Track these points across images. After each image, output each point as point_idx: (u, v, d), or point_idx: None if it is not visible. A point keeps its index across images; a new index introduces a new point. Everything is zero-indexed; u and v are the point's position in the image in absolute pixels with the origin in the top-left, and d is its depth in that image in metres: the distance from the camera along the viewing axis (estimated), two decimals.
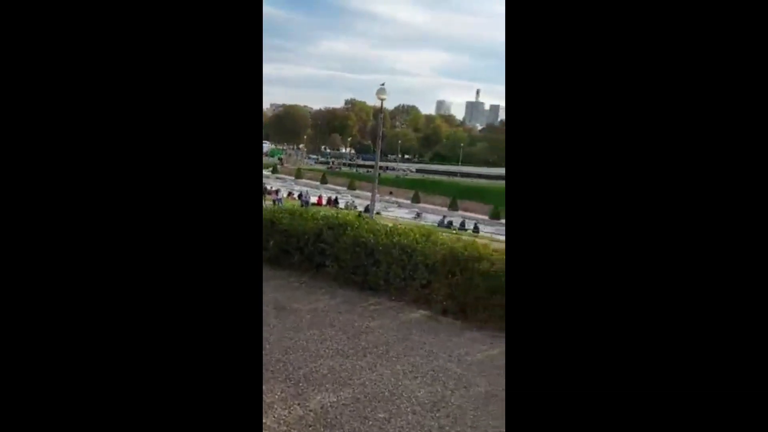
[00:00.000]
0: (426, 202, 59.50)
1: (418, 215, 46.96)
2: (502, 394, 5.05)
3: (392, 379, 5.21)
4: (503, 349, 6.65)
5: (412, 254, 7.63)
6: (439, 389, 5.07)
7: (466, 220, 41.50)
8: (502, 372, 5.11)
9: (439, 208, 55.21)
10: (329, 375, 5.17)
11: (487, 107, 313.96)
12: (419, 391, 4.99)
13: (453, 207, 56.44)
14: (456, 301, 7.18)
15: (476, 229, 35.82)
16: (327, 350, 5.80)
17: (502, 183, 63.62)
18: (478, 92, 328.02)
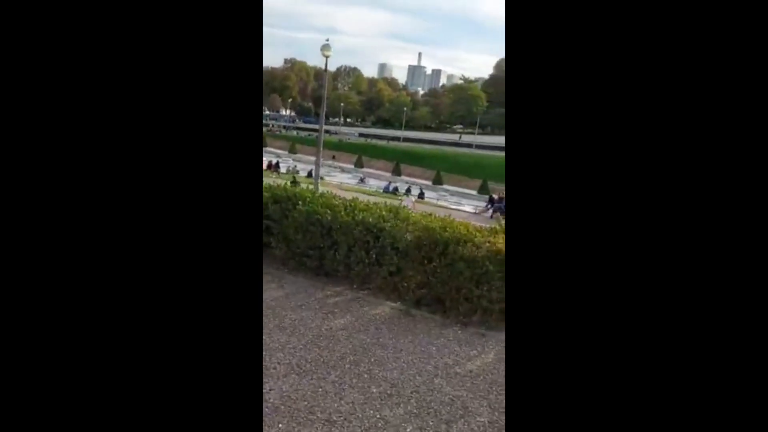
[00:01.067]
0: (369, 167, 58.08)
1: (362, 180, 45.47)
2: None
3: (368, 409, 3.92)
4: (497, 353, 5.67)
5: (379, 235, 6.29)
6: (431, 422, 3.84)
7: (411, 186, 40.53)
8: (503, 389, 4.35)
9: (382, 173, 55.09)
10: (282, 407, 3.81)
11: (428, 71, 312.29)
12: (406, 428, 3.74)
13: (396, 172, 55.30)
14: (432, 291, 5.95)
15: (421, 195, 34.89)
16: (276, 365, 4.41)
17: (443, 149, 63.21)
18: (420, 56, 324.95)
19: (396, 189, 35.57)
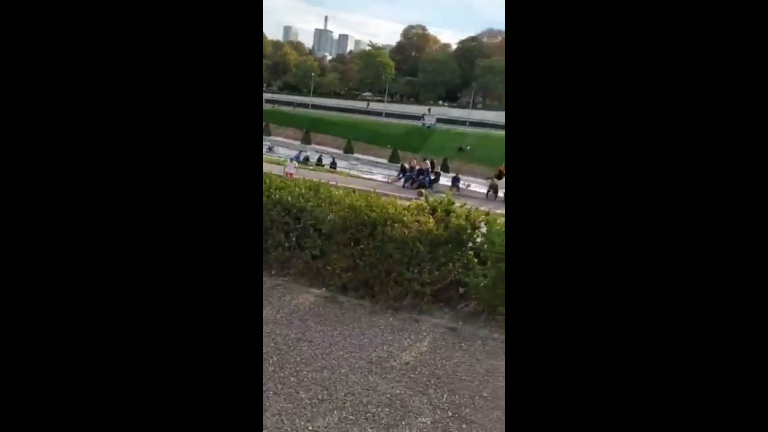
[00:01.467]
0: (277, 135, 55.88)
1: (270, 149, 43.54)
2: (459, 424, 3.69)
3: (297, 420, 3.47)
4: (432, 340, 5.42)
5: (300, 216, 5.74)
6: (371, 429, 3.47)
7: (323, 155, 39.46)
8: (446, 381, 3.96)
9: (291, 141, 52.93)
10: None
11: (335, 36, 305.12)
12: None
13: (306, 140, 53.72)
14: (360, 275, 5.55)
15: (333, 165, 33.94)
16: None
17: (352, 116, 62.45)
18: (326, 20, 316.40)
19: (307, 158, 34.30)
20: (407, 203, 6.29)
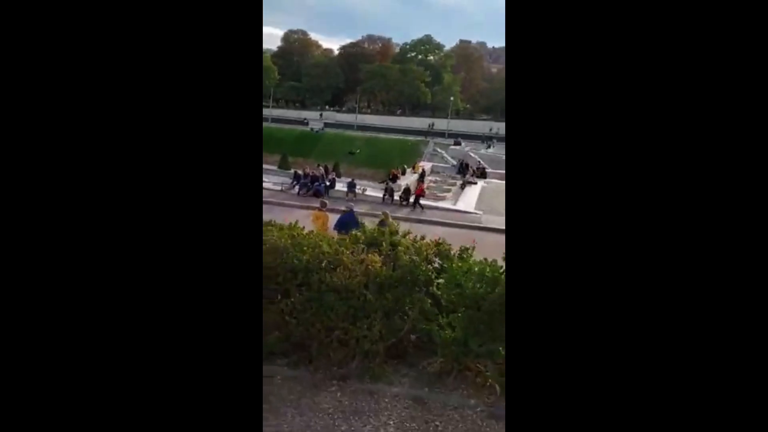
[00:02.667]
0: None
1: None
2: None
3: None
4: (398, 420, 3.89)
5: None
6: None
7: None
8: None
9: None
10: None
11: None
12: None
13: None
14: (293, 337, 4.31)
15: None
16: None
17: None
18: None
19: None
20: (335, 235, 5.16)
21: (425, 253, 4.69)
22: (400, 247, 4.69)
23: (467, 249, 4.89)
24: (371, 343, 4.21)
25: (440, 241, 5.01)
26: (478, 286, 4.13)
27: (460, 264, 4.47)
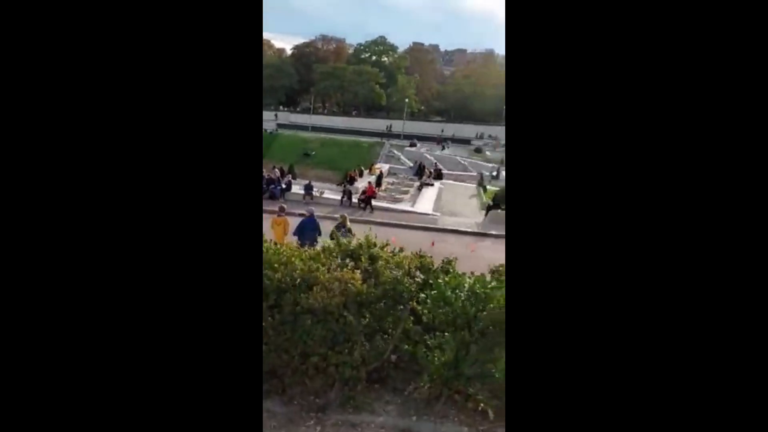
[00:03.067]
0: None
1: None
2: None
3: None
4: None
5: None
6: None
7: None
8: None
9: None
10: None
11: None
12: None
13: None
14: (265, 365, 3.86)
15: None
16: None
17: None
18: None
19: None
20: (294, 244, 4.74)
21: (407, 266, 4.34)
22: (380, 261, 4.31)
23: (450, 262, 4.58)
24: (352, 368, 3.82)
25: (422, 253, 4.68)
26: (469, 304, 3.82)
27: (447, 279, 4.15)
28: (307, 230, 8.33)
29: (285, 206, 10.04)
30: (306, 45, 73.41)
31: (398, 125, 54.44)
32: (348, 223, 8.35)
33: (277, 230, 8.39)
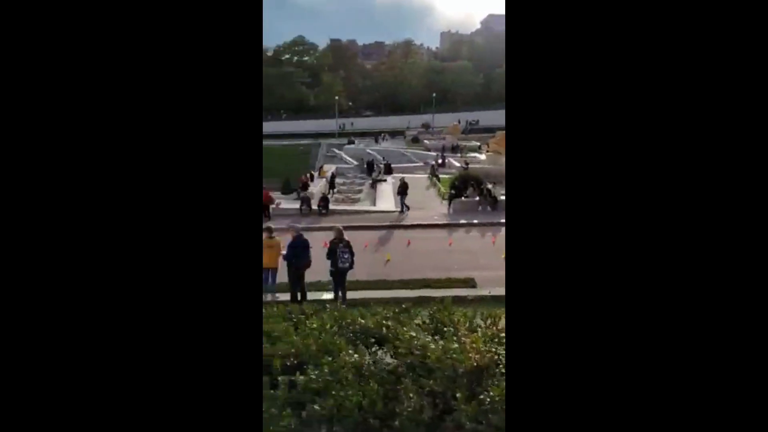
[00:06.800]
0: None
1: None
2: None
3: None
4: None
5: None
6: None
7: None
8: None
9: None
10: None
11: None
12: None
13: None
14: None
15: None
16: None
17: None
18: None
19: None
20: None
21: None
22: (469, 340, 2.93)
23: None
24: None
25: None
26: None
27: None
28: (300, 252, 7.84)
29: (272, 226, 9.44)
30: None
31: (330, 124, 53.90)
32: (345, 237, 7.92)
33: (270, 253, 7.84)
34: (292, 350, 2.70)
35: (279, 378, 2.45)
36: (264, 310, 3.32)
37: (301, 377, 2.43)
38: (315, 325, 3.10)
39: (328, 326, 3.03)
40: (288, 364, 2.59)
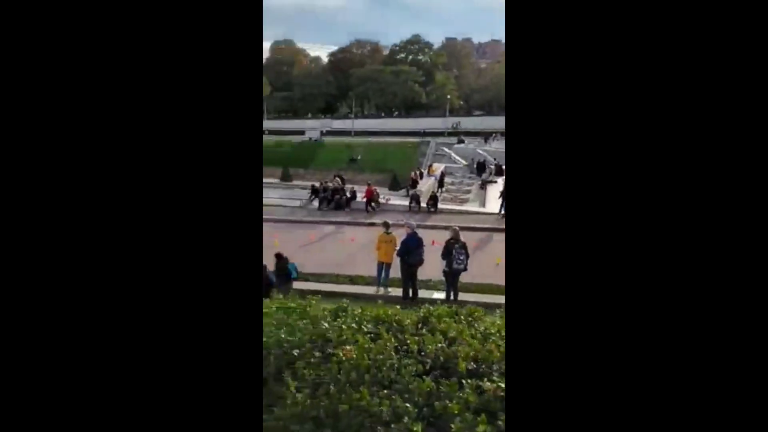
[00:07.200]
0: None
1: None
2: None
3: None
4: None
5: None
6: None
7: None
8: None
9: None
10: None
11: None
12: None
13: None
14: None
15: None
16: None
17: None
18: None
19: None
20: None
21: None
22: None
23: None
24: None
25: None
26: None
27: None
28: (413, 249, 8.03)
29: (390, 222, 9.74)
30: (341, 51, 74.05)
31: (439, 123, 53.98)
32: (461, 237, 8.01)
33: (387, 248, 8.17)
34: (472, 353, 2.59)
35: (464, 381, 2.33)
36: (429, 307, 3.31)
37: (488, 383, 2.31)
38: (488, 329, 3.01)
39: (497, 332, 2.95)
40: (469, 368, 2.49)
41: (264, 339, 2.60)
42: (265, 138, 57.78)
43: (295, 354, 2.57)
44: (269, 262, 8.91)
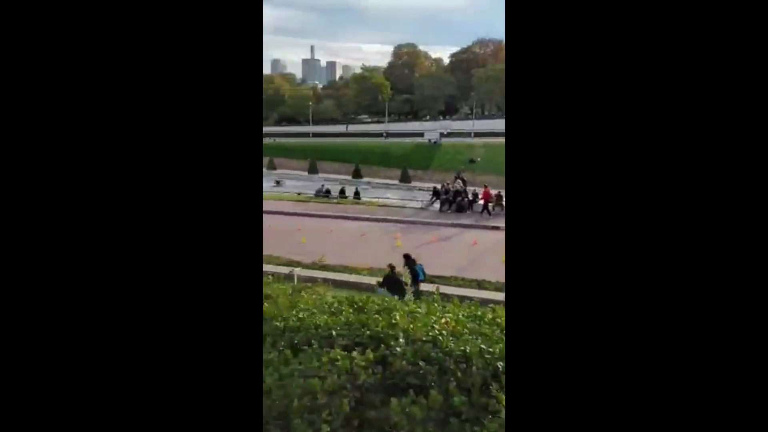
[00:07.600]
0: (281, 168, 53.70)
1: (278, 183, 40.93)
2: None
3: None
4: None
5: None
6: None
7: (345, 186, 35.17)
8: None
9: (298, 173, 50.62)
10: None
11: (323, 64, 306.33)
12: None
13: (312, 170, 51.35)
14: None
15: (357, 195, 28.23)
16: None
17: (354, 141, 61.03)
18: (312, 49, 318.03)
19: (328, 191, 31.27)
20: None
21: None
22: None
23: None
24: None
25: None
26: None
27: None
28: None
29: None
30: (463, 51, 73.95)
31: None
32: None
33: None
34: None
35: None
36: None
37: None
38: None
39: None
40: None
41: (463, 348, 2.49)
42: (385, 141, 59.44)
43: (500, 366, 2.35)
44: (396, 261, 9.37)
